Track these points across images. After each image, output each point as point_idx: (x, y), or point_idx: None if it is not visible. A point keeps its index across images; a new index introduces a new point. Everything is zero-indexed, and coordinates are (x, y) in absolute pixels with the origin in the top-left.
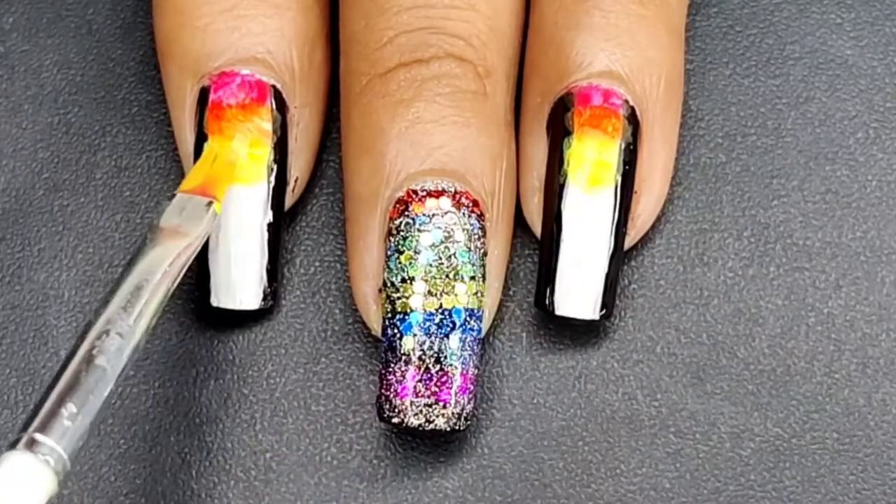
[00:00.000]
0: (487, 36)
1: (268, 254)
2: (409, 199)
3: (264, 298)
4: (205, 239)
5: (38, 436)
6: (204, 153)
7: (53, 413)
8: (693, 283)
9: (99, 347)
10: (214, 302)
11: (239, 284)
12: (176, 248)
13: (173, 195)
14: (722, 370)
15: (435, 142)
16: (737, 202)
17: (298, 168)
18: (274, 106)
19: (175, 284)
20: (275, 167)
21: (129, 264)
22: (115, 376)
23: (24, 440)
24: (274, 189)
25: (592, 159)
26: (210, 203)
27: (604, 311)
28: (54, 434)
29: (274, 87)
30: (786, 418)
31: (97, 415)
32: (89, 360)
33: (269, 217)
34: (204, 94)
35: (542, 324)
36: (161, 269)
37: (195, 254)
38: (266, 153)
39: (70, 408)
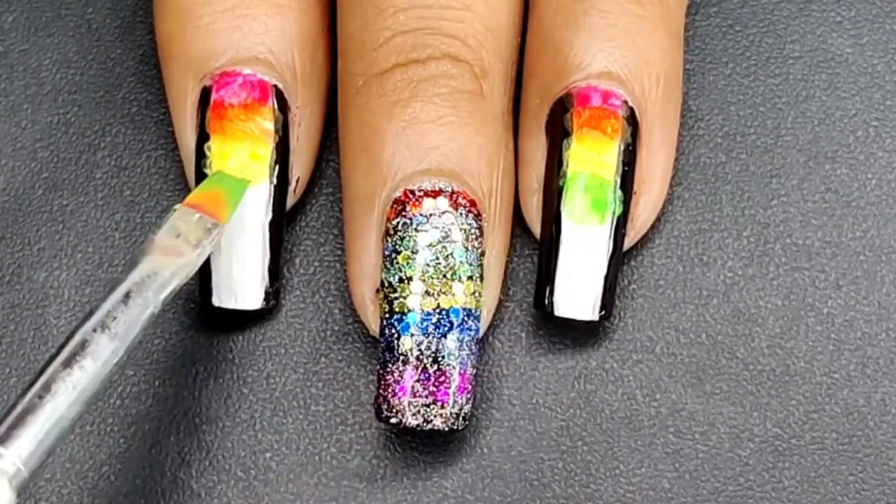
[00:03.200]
0: (484, 36)
1: (270, 253)
2: (407, 200)
3: (266, 298)
4: (201, 261)
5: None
6: (212, 175)
7: (16, 425)
8: (692, 283)
9: (73, 360)
10: (216, 302)
11: (241, 284)
12: (171, 266)
13: (175, 208)
14: (721, 370)
15: (432, 142)
16: (736, 202)
17: (300, 168)
18: (276, 106)
19: (161, 306)
20: (276, 167)
21: (118, 280)
22: (86, 394)
23: None
24: (276, 189)
25: (592, 160)
26: (215, 224)
27: (603, 312)
28: (15, 447)
29: (276, 86)
30: (785, 418)
31: (63, 431)
32: (60, 373)
33: (271, 216)
34: (206, 93)
35: (542, 324)
36: (151, 286)
37: (189, 276)
38: (268, 153)
39: (34, 421)
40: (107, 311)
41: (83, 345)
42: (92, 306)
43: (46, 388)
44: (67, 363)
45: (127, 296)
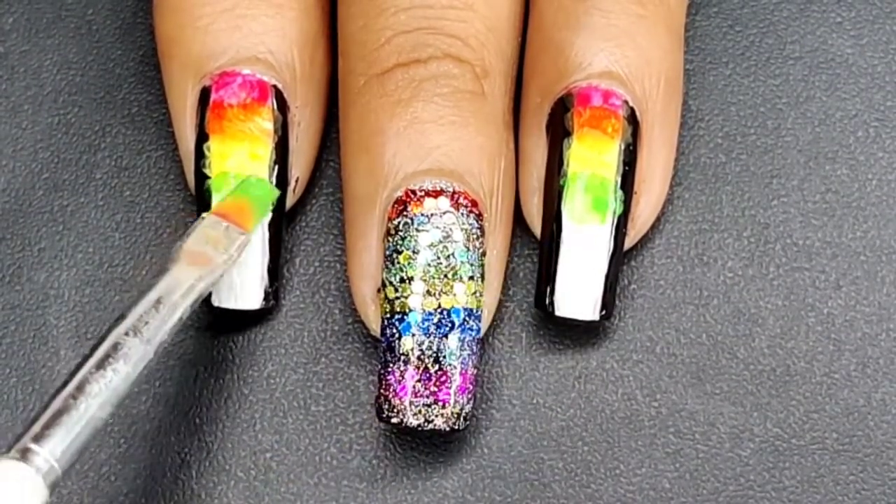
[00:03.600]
0: (485, 36)
1: (269, 253)
2: (408, 199)
3: (266, 298)
4: (227, 270)
5: (32, 445)
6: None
7: (50, 424)
8: (693, 284)
9: (106, 362)
10: (216, 302)
11: (240, 284)
12: (197, 272)
13: (203, 216)
14: (721, 370)
15: (433, 142)
16: (737, 202)
17: (299, 168)
18: (275, 106)
19: (189, 311)
20: (276, 167)
21: (149, 285)
22: (117, 395)
23: (17, 448)
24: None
25: (592, 160)
26: (242, 234)
27: (603, 312)
28: (49, 445)
29: (275, 86)
30: (785, 418)
31: (94, 431)
32: (94, 374)
33: (270, 216)
34: (205, 93)
35: (542, 324)
36: (179, 292)
37: (215, 283)
38: (267, 153)
39: (68, 420)
40: (139, 315)
41: (116, 347)
42: (123, 310)
43: (80, 388)
44: (101, 365)
45: (158, 301)
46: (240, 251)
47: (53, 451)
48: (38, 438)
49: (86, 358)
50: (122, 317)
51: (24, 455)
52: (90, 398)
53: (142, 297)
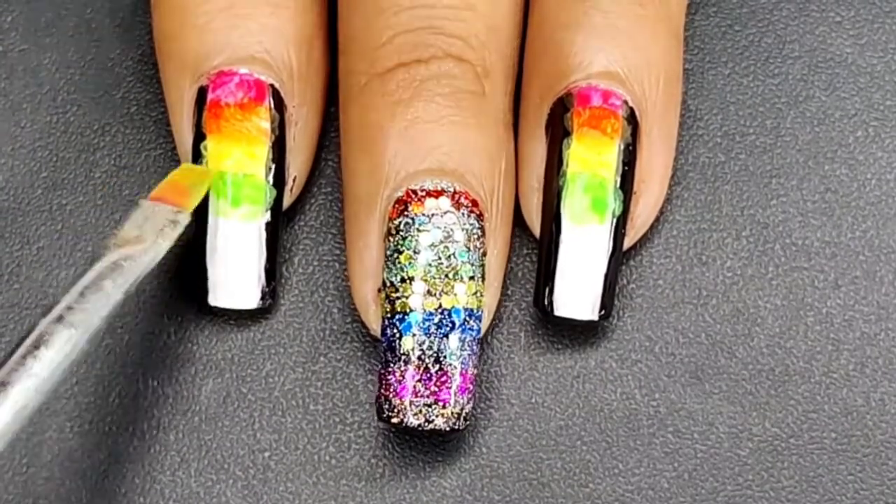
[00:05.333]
0: (486, 36)
1: (266, 253)
2: (409, 199)
3: (262, 298)
4: (167, 248)
5: None
6: (177, 169)
7: None
8: (692, 283)
9: (30, 355)
10: (213, 301)
11: (237, 284)
12: (130, 252)
13: (138, 203)
14: (720, 370)
15: (434, 141)
16: (735, 202)
17: (297, 167)
18: (272, 105)
19: (121, 292)
20: (273, 166)
21: (77, 276)
22: (46, 384)
23: None
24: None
25: (592, 160)
26: (178, 212)
27: (602, 312)
28: None
29: (272, 86)
30: (784, 418)
31: (24, 419)
32: (18, 365)
33: (268, 216)
34: (202, 93)
35: (541, 324)
36: (107, 275)
37: (153, 263)
38: (264, 152)
39: None
40: (66, 306)
41: (40, 336)
42: (51, 302)
43: (2, 381)
44: (24, 355)
45: (85, 289)
46: (176, 228)
47: None
48: None
49: (12, 351)
50: (49, 307)
51: None
52: (12, 387)
53: (70, 287)
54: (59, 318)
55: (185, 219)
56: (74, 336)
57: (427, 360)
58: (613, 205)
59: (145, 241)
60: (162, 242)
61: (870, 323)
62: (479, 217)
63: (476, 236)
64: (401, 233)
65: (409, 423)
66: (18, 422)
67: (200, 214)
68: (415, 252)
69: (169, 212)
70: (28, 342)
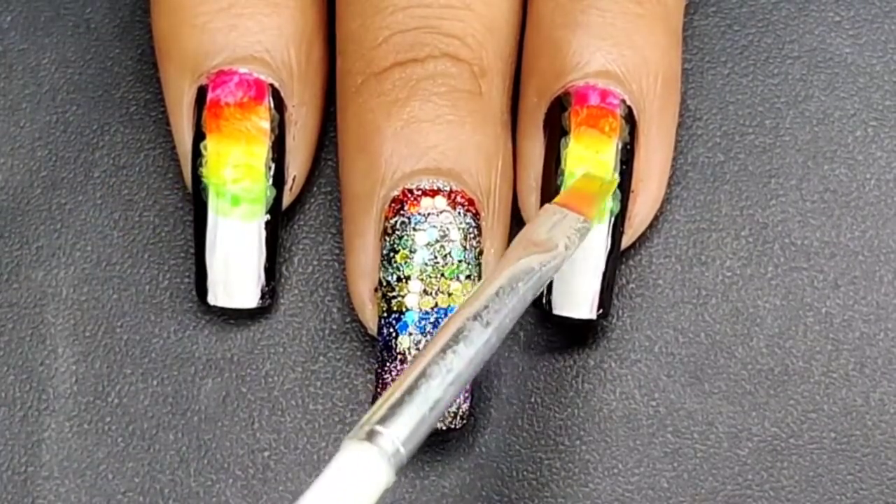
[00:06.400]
0: (483, 35)
1: (265, 252)
2: (405, 199)
3: (262, 297)
4: (571, 255)
5: (379, 428)
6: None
7: (395, 407)
8: (691, 283)
9: (447, 346)
10: (212, 300)
11: (237, 283)
12: (538, 259)
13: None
14: (720, 370)
15: (430, 141)
16: (735, 201)
17: (296, 167)
18: (272, 104)
19: (532, 295)
20: (273, 166)
21: (493, 275)
22: (459, 377)
23: (364, 430)
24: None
25: (589, 159)
26: (584, 221)
27: (601, 311)
28: (394, 427)
29: (272, 85)
30: (783, 418)
31: (438, 413)
32: (436, 358)
33: (267, 215)
34: (202, 92)
35: (540, 323)
36: (522, 278)
37: (559, 269)
38: (264, 152)
39: (410, 403)
40: (484, 304)
41: (458, 331)
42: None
43: (423, 373)
44: (443, 349)
45: (501, 289)
46: (581, 237)
47: (399, 433)
48: (383, 420)
49: (430, 344)
50: (465, 304)
51: (371, 437)
52: (431, 380)
53: (486, 286)
54: (477, 317)
55: (589, 228)
56: (490, 335)
57: None
58: (611, 204)
59: (554, 251)
60: (570, 251)
61: (869, 323)
62: (476, 216)
63: (472, 235)
64: (397, 232)
65: None
66: (434, 417)
67: (200, 213)
68: (411, 251)
69: (576, 220)
70: (446, 337)
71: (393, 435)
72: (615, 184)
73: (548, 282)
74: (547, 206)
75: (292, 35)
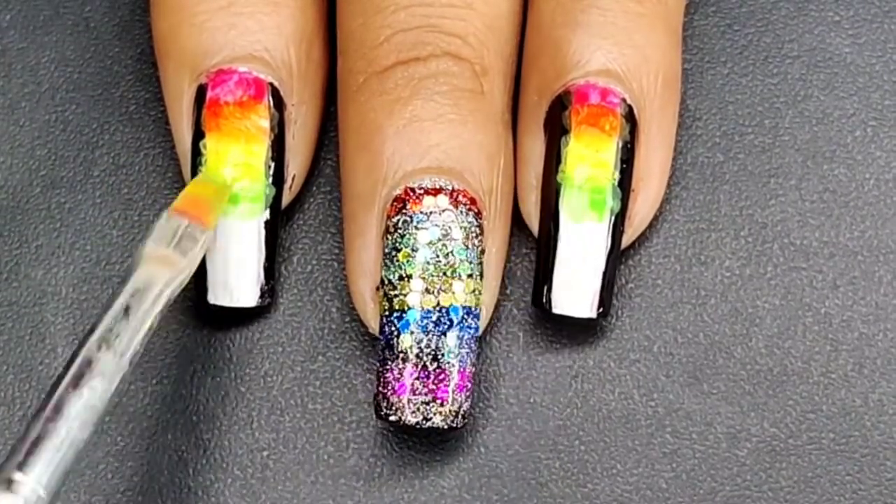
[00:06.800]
0: (485, 34)
1: (265, 252)
2: (407, 197)
3: (261, 296)
4: (192, 271)
5: (17, 475)
6: (197, 178)
7: (32, 451)
8: (690, 283)
9: (81, 381)
10: (211, 300)
11: (236, 282)
12: (164, 276)
13: (162, 215)
14: (719, 370)
15: (432, 140)
16: (734, 201)
17: (296, 166)
18: (271, 103)
19: (158, 320)
20: (272, 165)
21: (115, 293)
22: (96, 414)
23: (2, 478)
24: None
25: (590, 158)
26: (202, 232)
27: (601, 310)
28: (34, 472)
29: (271, 84)
30: (782, 418)
31: (77, 453)
32: (70, 394)
33: (267, 214)
34: (201, 91)
35: (539, 322)
36: (148, 300)
37: (183, 285)
38: (264, 151)
39: (49, 445)
40: (108, 326)
41: (90, 364)
42: (93, 321)
43: (58, 410)
44: (76, 384)
45: (127, 310)
46: (202, 250)
47: (39, 478)
48: (21, 466)
49: (60, 377)
50: (92, 329)
51: (10, 485)
52: (70, 420)
53: (109, 305)
54: (107, 344)
55: (208, 238)
56: (123, 365)
57: (425, 358)
58: (612, 203)
59: (176, 265)
60: (191, 266)
61: (868, 323)
62: (478, 215)
63: (474, 234)
64: (399, 231)
65: (407, 421)
66: (73, 456)
67: None
68: (413, 250)
69: (194, 230)
70: (75, 368)
71: (33, 481)
72: (230, 189)
73: (171, 300)
74: (166, 213)
75: (292, 34)
